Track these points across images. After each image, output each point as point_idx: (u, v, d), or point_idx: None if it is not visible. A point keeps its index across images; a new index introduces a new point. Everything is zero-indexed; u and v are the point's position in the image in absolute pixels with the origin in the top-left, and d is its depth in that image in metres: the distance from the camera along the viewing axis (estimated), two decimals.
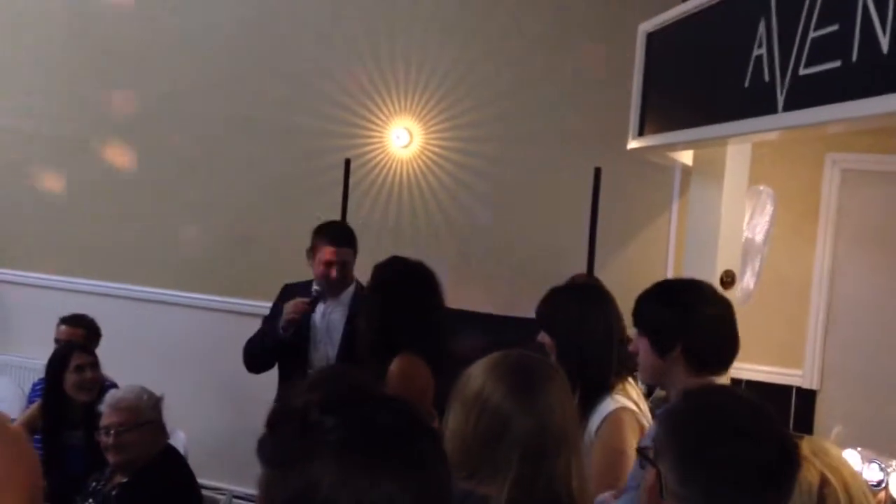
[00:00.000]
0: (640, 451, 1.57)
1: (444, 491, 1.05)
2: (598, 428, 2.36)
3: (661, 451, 1.46)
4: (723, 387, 2.10)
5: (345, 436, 1.01)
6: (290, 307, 3.43)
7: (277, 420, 1.13)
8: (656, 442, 1.48)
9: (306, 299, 3.45)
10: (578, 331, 2.46)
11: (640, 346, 2.22)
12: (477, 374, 1.80)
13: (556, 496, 1.70)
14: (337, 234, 3.54)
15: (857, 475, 1.64)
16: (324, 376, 1.93)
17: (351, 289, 3.57)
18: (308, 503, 0.99)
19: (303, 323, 3.49)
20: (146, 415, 3.08)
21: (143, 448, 3.03)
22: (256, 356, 3.61)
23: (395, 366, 2.82)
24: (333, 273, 3.47)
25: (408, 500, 0.98)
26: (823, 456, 1.60)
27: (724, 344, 2.20)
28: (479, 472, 1.72)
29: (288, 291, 3.72)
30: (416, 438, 1.04)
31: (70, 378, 3.58)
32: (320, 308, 3.55)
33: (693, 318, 2.17)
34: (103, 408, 3.07)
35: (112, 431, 3.00)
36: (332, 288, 3.52)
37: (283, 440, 1.06)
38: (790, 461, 1.44)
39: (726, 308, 2.22)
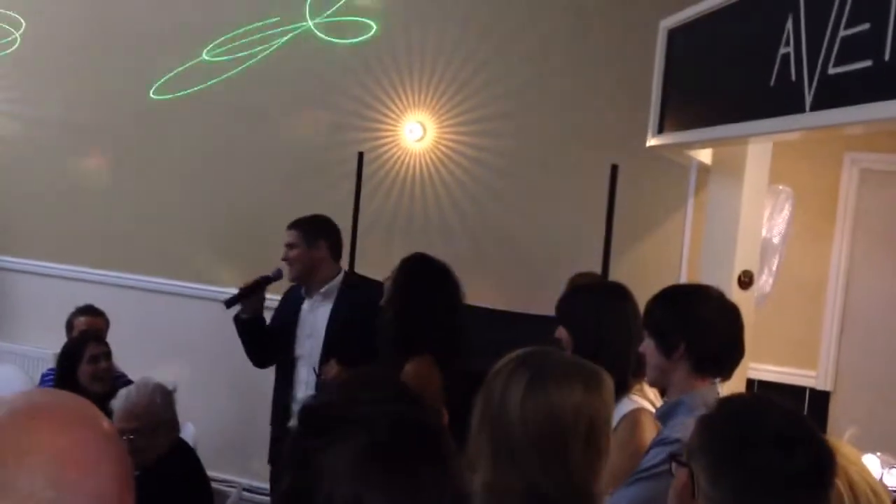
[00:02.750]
0: (672, 454, 1.57)
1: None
2: (616, 428, 2.34)
3: (695, 453, 1.48)
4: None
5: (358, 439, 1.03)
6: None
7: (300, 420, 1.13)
8: (690, 443, 1.51)
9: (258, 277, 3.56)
10: (597, 329, 2.46)
11: (647, 346, 2.26)
12: (500, 369, 1.82)
13: (575, 491, 1.69)
14: (295, 220, 3.63)
15: (865, 475, 1.62)
16: (357, 379, 1.94)
17: (336, 282, 3.57)
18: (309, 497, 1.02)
19: (289, 318, 3.59)
20: (161, 417, 3.06)
21: (156, 448, 3.03)
22: (246, 348, 3.69)
23: (410, 367, 2.90)
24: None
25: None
26: None
27: (727, 347, 2.24)
28: (497, 464, 1.72)
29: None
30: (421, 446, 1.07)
31: (85, 369, 3.57)
32: (308, 303, 3.59)
33: (696, 319, 2.21)
34: (116, 409, 3.03)
35: (125, 438, 2.96)
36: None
37: (296, 440, 1.08)
38: (822, 472, 1.44)
39: (732, 313, 2.26)
